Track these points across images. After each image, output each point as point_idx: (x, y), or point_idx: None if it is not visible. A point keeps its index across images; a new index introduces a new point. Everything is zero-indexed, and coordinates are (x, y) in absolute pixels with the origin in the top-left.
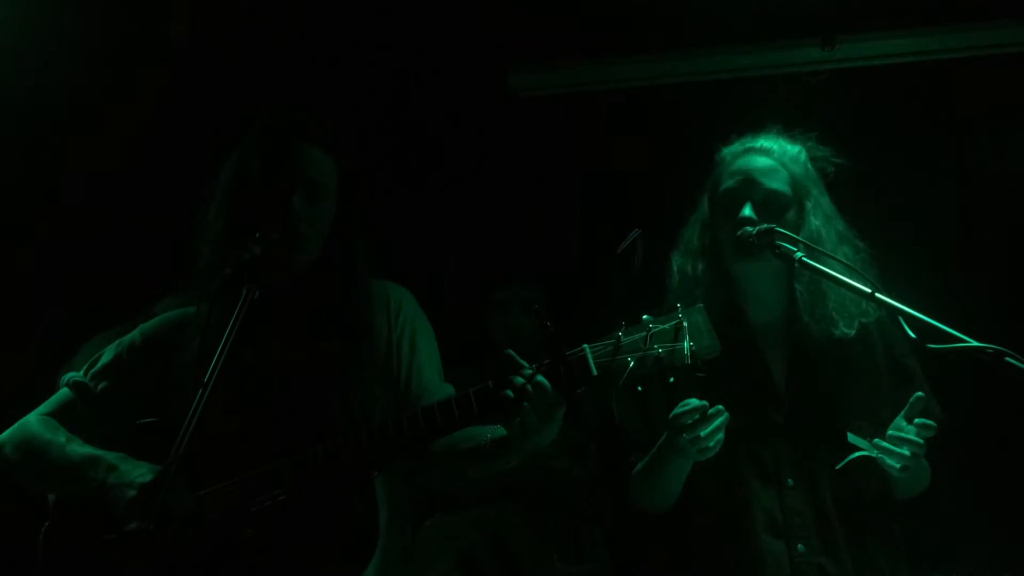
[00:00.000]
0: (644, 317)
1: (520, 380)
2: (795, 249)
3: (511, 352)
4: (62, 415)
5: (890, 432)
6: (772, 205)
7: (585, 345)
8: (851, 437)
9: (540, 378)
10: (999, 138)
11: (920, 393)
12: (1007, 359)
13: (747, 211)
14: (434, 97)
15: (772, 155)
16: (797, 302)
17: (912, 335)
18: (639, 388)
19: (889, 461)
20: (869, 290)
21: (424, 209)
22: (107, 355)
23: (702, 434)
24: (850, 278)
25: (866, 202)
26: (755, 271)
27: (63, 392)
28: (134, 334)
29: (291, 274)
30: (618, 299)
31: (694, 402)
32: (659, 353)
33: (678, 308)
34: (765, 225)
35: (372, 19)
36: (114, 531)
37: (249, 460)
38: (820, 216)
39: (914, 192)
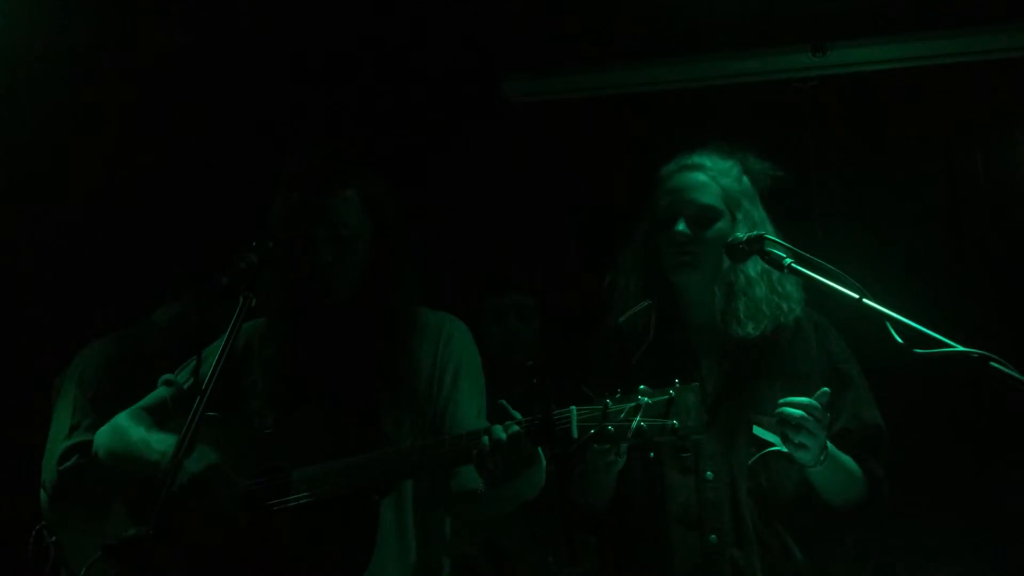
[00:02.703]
0: (641, 387)
1: (501, 434)
2: (783, 255)
3: (504, 403)
4: (153, 410)
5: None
6: (704, 218)
7: (573, 407)
8: (756, 430)
9: (515, 429)
10: (989, 143)
11: (825, 388)
12: (992, 364)
13: (680, 226)
14: (427, 103)
15: (705, 170)
16: (726, 300)
17: (899, 339)
18: (622, 458)
19: (788, 448)
20: (856, 295)
21: (419, 215)
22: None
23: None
24: (838, 283)
25: (856, 207)
26: (692, 282)
27: (159, 390)
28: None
29: (333, 302)
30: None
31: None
32: (643, 427)
33: (675, 383)
34: (756, 232)
35: (367, 26)
36: (114, 538)
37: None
38: (748, 226)
39: (903, 197)
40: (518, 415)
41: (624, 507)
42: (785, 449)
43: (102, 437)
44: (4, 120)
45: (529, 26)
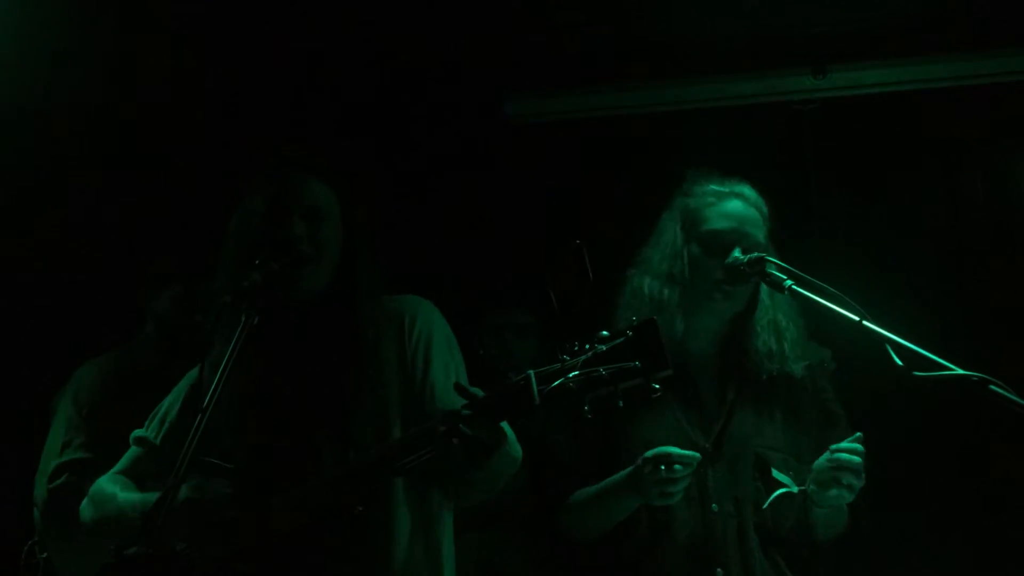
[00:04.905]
0: (603, 333)
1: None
2: (784, 277)
3: (458, 383)
4: (130, 470)
5: (826, 459)
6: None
7: (530, 371)
8: (776, 473)
9: (456, 407)
10: (990, 166)
11: (859, 434)
12: (991, 387)
13: (737, 253)
14: (431, 123)
15: (754, 206)
16: (749, 335)
17: (899, 362)
18: (588, 415)
19: (832, 491)
20: (857, 318)
21: (421, 233)
22: (163, 405)
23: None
24: (839, 306)
25: (856, 229)
26: (722, 310)
27: (131, 450)
28: (184, 381)
29: (300, 302)
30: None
31: (674, 450)
32: (603, 375)
33: (632, 321)
34: (756, 254)
35: (371, 43)
36: (113, 555)
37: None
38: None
39: (904, 219)
40: (479, 392)
41: (623, 537)
42: (795, 490)
43: (87, 511)
44: (4, 129)
45: (531, 47)
